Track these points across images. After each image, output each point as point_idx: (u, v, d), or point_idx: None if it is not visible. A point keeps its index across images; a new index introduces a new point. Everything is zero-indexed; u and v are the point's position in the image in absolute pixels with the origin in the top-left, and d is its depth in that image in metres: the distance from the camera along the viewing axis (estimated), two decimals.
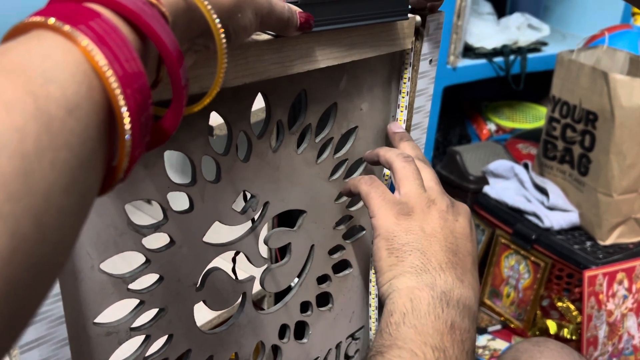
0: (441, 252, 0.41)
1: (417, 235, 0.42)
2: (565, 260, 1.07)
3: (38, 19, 0.22)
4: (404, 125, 0.52)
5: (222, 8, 0.29)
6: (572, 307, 1.07)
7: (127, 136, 0.22)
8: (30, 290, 0.19)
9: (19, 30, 0.22)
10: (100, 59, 0.21)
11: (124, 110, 0.22)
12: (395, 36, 0.47)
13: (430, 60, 0.51)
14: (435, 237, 0.42)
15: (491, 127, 1.55)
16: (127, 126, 0.22)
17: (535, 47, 1.41)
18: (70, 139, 0.20)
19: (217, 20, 0.28)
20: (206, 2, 0.27)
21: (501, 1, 1.54)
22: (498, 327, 1.19)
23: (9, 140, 0.18)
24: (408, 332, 0.37)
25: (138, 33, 0.24)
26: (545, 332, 1.10)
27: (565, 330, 1.07)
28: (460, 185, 1.30)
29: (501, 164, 1.25)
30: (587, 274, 1.03)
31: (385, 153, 0.47)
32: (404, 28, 0.47)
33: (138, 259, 0.39)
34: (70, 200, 0.20)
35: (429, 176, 0.45)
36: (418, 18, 0.48)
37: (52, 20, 0.21)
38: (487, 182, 1.26)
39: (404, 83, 0.51)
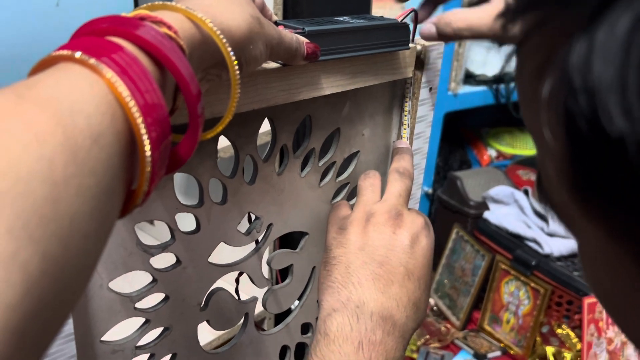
0: (365, 265, 0.42)
1: (346, 249, 0.44)
2: (565, 287, 1.07)
3: (65, 52, 0.23)
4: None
5: (235, 40, 0.30)
6: (572, 334, 1.07)
7: (147, 163, 0.24)
8: (55, 311, 0.20)
9: (47, 63, 0.24)
10: (124, 90, 0.23)
11: (145, 138, 0.23)
12: (397, 65, 0.48)
13: (430, 88, 0.53)
14: (363, 251, 0.43)
15: (492, 153, 1.57)
16: (148, 153, 0.24)
17: None
18: (95, 166, 0.21)
19: (232, 53, 0.29)
20: (221, 36, 0.29)
21: None
22: (498, 353, 1.18)
23: (41, 168, 0.19)
24: None
25: (157, 64, 0.26)
26: (544, 359, 1.10)
27: (565, 357, 1.07)
28: (461, 210, 1.30)
29: (501, 190, 1.26)
30: (587, 300, 1.03)
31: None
32: (405, 57, 0.49)
33: (142, 278, 0.40)
34: (94, 224, 0.21)
35: (394, 190, 0.47)
36: (419, 47, 0.50)
37: (78, 54, 0.23)
38: (487, 208, 1.27)
39: (405, 111, 0.52)
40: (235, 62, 0.29)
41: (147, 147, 0.24)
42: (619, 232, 0.19)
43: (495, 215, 1.23)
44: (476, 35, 0.48)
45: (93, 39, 0.25)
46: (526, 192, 1.25)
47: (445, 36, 0.49)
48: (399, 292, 0.42)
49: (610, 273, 0.21)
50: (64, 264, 0.20)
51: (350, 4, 0.72)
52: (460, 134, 1.60)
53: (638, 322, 0.22)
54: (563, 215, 0.22)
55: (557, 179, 0.20)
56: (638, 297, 0.20)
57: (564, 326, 1.08)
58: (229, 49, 0.29)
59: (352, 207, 0.50)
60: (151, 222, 0.97)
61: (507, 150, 1.57)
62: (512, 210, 1.24)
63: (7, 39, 0.79)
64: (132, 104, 0.23)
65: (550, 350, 1.08)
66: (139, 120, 0.23)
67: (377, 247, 0.43)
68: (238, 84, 0.30)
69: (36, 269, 0.18)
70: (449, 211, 1.33)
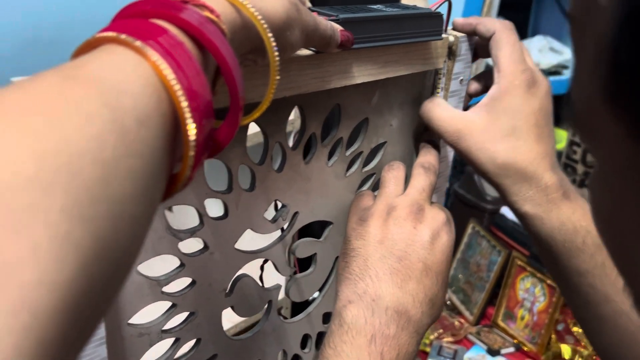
0: (384, 259, 0.42)
1: (365, 241, 0.43)
2: None
3: (110, 34, 0.23)
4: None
5: (273, 26, 0.30)
6: None
7: (191, 147, 0.23)
8: (104, 293, 0.20)
9: (91, 45, 0.24)
10: (169, 74, 0.23)
11: (190, 122, 0.23)
12: (429, 55, 0.48)
13: (461, 80, 0.52)
14: (382, 245, 0.43)
15: None
16: (192, 137, 0.23)
17: (557, 70, 1.41)
18: (142, 148, 0.21)
19: (272, 39, 0.29)
20: (263, 21, 0.28)
21: (523, 24, 1.55)
22: (511, 349, 1.18)
23: (91, 148, 0.19)
24: (329, 353, 0.39)
25: (199, 48, 0.26)
26: (559, 356, 1.09)
27: (580, 355, 1.06)
28: (477, 205, 1.30)
29: None
30: None
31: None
32: (437, 47, 0.48)
33: (164, 263, 0.40)
34: (141, 207, 0.21)
35: (417, 184, 0.46)
36: (451, 38, 0.49)
37: (123, 36, 0.23)
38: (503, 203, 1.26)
39: None
40: (276, 47, 0.29)
41: (192, 132, 0.23)
42: None
43: None
44: (438, 135, 0.49)
45: (137, 21, 0.25)
46: None
47: (420, 116, 0.49)
48: (415, 288, 0.41)
49: (633, 189, 0.20)
50: (114, 246, 0.20)
51: None
52: None
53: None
54: (588, 129, 0.21)
55: (590, 79, 0.19)
56: None
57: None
58: (270, 34, 0.29)
59: (375, 197, 0.49)
60: (169, 209, 0.98)
61: None
62: None
63: (35, 23, 0.79)
64: (177, 87, 0.23)
65: (565, 348, 1.08)
66: (184, 104, 0.23)
67: (397, 241, 0.42)
68: (277, 70, 0.30)
69: (88, 249, 0.18)
70: (465, 206, 1.32)
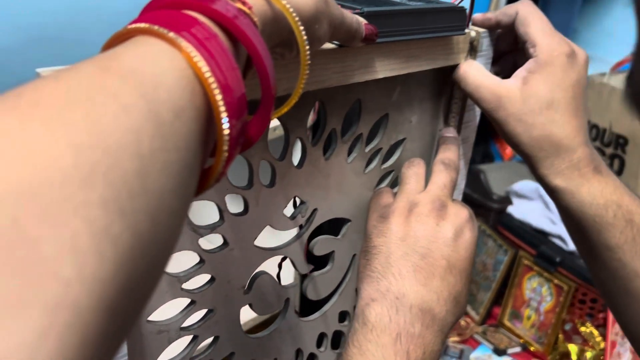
0: (406, 256, 0.41)
1: (387, 238, 0.43)
2: (590, 285, 1.06)
3: (142, 25, 0.22)
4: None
5: (303, 18, 0.29)
6: (595, 332, 1.06)
7: (225, 142, 0.23)
8: (143, 289, 0.19)
9: (122, 36, 0.23)
10: (203, 66, 0.22)
11: (224, 117, 0.22)
12: (450, 50, 0.47)
13: None
14: (404, 242, 0.42)
15: None
16: (226, 132, 0.23)
17: None
18: (178, 141, 0.20)
19: (304, 32, 0.28)
20: (294, 14, 0.28)
21: None
22: (518, 349, 1.18)
23: (128, 140, 0.18)
24: (353, 352, 0.38)
25: (231, 39, 0.25)
26: (566, 356, 1.09)
27: (588, 355, 1.06)
28: (484, 204, 1.29)
29: (525, 185, 1.25)
30: None
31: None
32: (459, 43, 0.48)
33: (186, 261, 0.40)
34: (178, 202, 0.21)
35: (439, 181, 0.46)
36: (473, 33, 0.49)
37: (156, 27, 0.22)
38: (510, 202, 1.25)
39: (456, 98, 0.51)
40: (307, 41, 0.28)
41: (226, 127, 0.23)
42: None
43: (519, 210, 1.21)
44: (471, 99, 0.48)
45: (169, 12, 0.24)
46: None
47: (453, 77, 0.48)
48: (439, 286, 0.41)
49: None
50: (152, 241, 0.19)
51: None
52: (485, 127, 1.59)
53: None
54: None
55: None
56: None
57: (587, 324, 1.07)
58: (302, 27, 0.28)
59: (394, 194, 0.49)
60: None
61: None
62: (536, 205, 1.22)
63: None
64: (211, 80, 0.22)
65: (573, 348, 1.07)
66: (219, 97, 0.22)
67: (419, 238, 0.42)
68: (308, 63, 0.29)
69: (127, 244, 0.18)
70: (471, 204, 1.31)
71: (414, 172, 0.47)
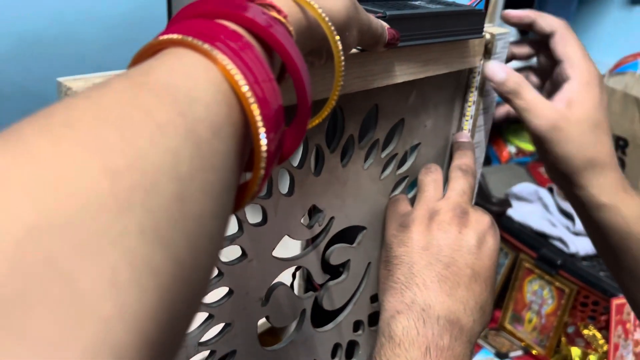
0: (430, 266, 0.40)
1: (409, 248, 0.42)
2: (592, 287, 1.06)
3: (175, 36, 0.21)
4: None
5: (336, 25, 0.28)
6: (598, 335, 1.05)
7: (262, 159, 0.22)
8: (185, 320, 0.18)
9: (154, 48, 0.22)
10: (240, 79, 0.21)
11: (262, 132, 0.21)
12: (467, 53, 0.46)
13: None
14: (427, 251, 0.41)
15: (511, 149, 1.55)
16: (264, 148, 0.21)
17: None
18: (216, 161, 0.19)
19: (339, 41, 0.27)
20: (330, 23, 0.26)
21: None
22: (519, 352, 1.17)
23: (166, 162, 0.17)
24: None
25: (266, 49, 0.24)
26: (568, 359, 1.08)
27: (591, 358, 1.05)
28: (483, 207, 1.28)
29: (525, 187, 1.25)
30: (615, 301, 1.01)
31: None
32: (474, 45, 0.47)
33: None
34: (217, 224, 0.19)
35: (457, 187, 0.45)
36: (487, 36, 0.48)
37: (190, 38, 0.21)
38: (509, 205, 1.25)
39: (470, 101, 0.50)
40: (342, 49, 0.27)
41: (264, 142, 0.21)
42: None
43: (519, 212, 1.21)
44: (519, 113, 0.48)
45: (201, 21, 0.22)
46: (551, 190, 1.23)
47: (503, 88, 0.48)
48: (465, 295, 0.40)
49: None
50: (194, 268, 0.18)
51: None
52: None
53: None
54: None
55: None
56: None
57: (590, 327, 1.07)
58: (337, 37, 0.27)
59: (410, 201, 0.48)
60: None
61: (528, 146, 1.55)
62: (536, 208, 1.22)
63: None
64: (249, 94, 0.21)
65: (575, 351, 1.07)
66: (257, 112, 0.21)
67: (442, 247, 0.41)
68: (342, 73, 0.28)
69: (169, 275, 0.16)
70: None
71: (432, 178, 0.46)
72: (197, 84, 0.20)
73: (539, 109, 0.46)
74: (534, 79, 0.54)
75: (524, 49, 0.53)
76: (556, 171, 0.48)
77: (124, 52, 0.28)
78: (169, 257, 0.16)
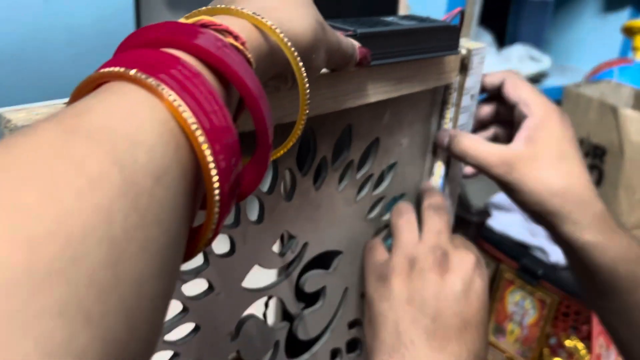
0: (416, 322, 0.38)
1: (390, 303, 0.39)
2: (573, 297, 1.05)
3: (117, 69, 0.19)
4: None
5: (300, 49, 0.26)
6: (580, 345, 1.05)
7: (215, 202, 0.19)
8: None
9: (94, 82, 0.19)
10: (189, 117, 0.19)
11: (214, 173, 0.19)
12: (442, 70, 0.45)
13: (472, 95, 0.49)
14: (410, 305, 0.38)
15: None
16: (217, 191, 0.19)
17: (536, 78, 1.41)
18: (160, 213, 0.17)
19: (303, 68, 0.25)
20: (292, 48, 0.24)
21: (501, 32, 1.55)
22: None
23: (96, 222, 0.15)
24: None
25: (220, 79, 0.22)
26: None
27: None
28: (463, 217, 1.28)
29: (505, 197, 1.23)
30: None
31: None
32: (450, 62, 0.45)
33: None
34: (161, 284, 0.17)
35: (433, 227, 0.43)
36: (464, 51, 0.46)
37: (133, 72, 0.19)
38: (489, 215, 1.24)
39: (447, 118, 0.48)
40: (306, 76, 0.25)
41: (216, 184, 0.19)
42: None
43: (500, 222, 1.20)
44: (478, 168, 0.47)
45: (147, 51, 0.20)
46: None
47: (451, 152, 0.47)
48: (457, 349, 0.37)
49: None
50: (131, 341, 0.15)
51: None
52: None
53: None
54: None
55: None
56: None
57: (572, 337, 1.06)
58: (300, 63, 0.25)
59: (386, 246, 0.46)
60: None
61: None
62: (516, 217, 1.21)
63: None
64: (199, 132, 0.19)
65: None
66: (207, 152, 0.19)
67: (426, 298, 0.38)
68: (307, 101, 0.26)
69: (97, 356, 0.14)
70: None
71: (405, 220, 0.44)
72: (141, 125, 0.18)
73: (491, 155, 0.45)
74: (502, 132, 0.53)
75: (485, 110, 0.52)
76: (533, 214, 0.45)
77: (89, 63, 0.26)
78: (98, 335, 0.14)
